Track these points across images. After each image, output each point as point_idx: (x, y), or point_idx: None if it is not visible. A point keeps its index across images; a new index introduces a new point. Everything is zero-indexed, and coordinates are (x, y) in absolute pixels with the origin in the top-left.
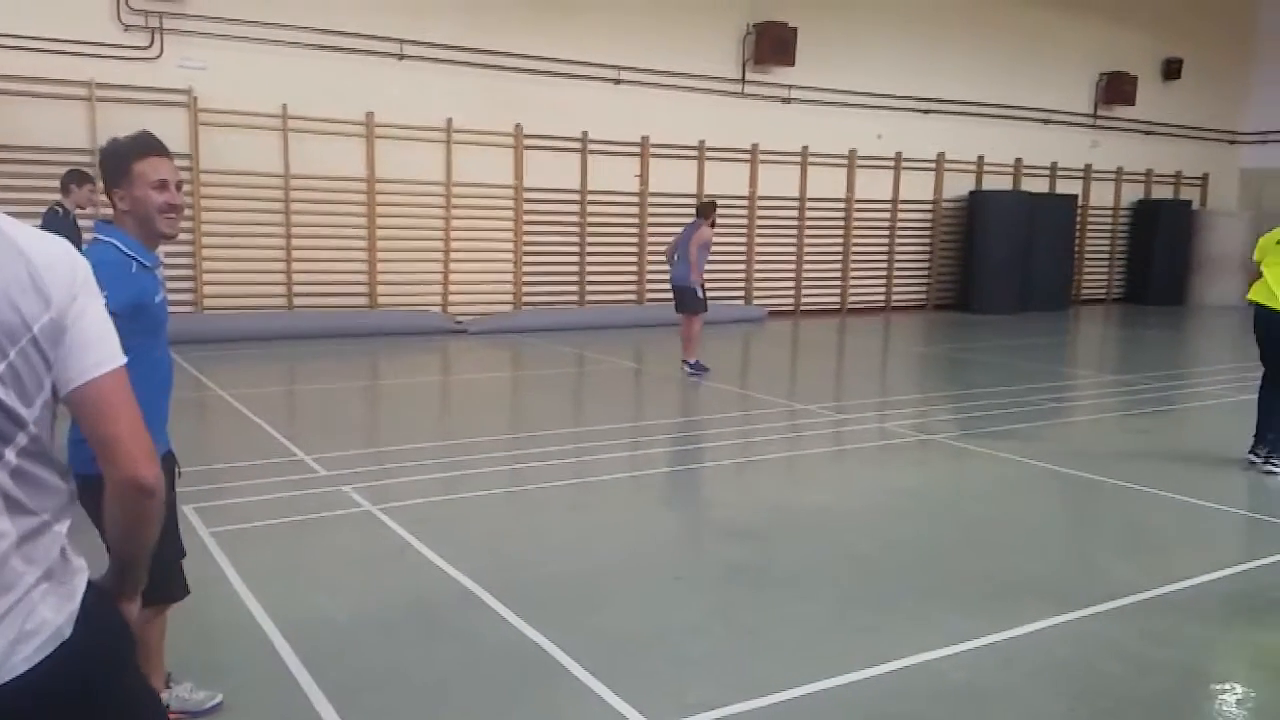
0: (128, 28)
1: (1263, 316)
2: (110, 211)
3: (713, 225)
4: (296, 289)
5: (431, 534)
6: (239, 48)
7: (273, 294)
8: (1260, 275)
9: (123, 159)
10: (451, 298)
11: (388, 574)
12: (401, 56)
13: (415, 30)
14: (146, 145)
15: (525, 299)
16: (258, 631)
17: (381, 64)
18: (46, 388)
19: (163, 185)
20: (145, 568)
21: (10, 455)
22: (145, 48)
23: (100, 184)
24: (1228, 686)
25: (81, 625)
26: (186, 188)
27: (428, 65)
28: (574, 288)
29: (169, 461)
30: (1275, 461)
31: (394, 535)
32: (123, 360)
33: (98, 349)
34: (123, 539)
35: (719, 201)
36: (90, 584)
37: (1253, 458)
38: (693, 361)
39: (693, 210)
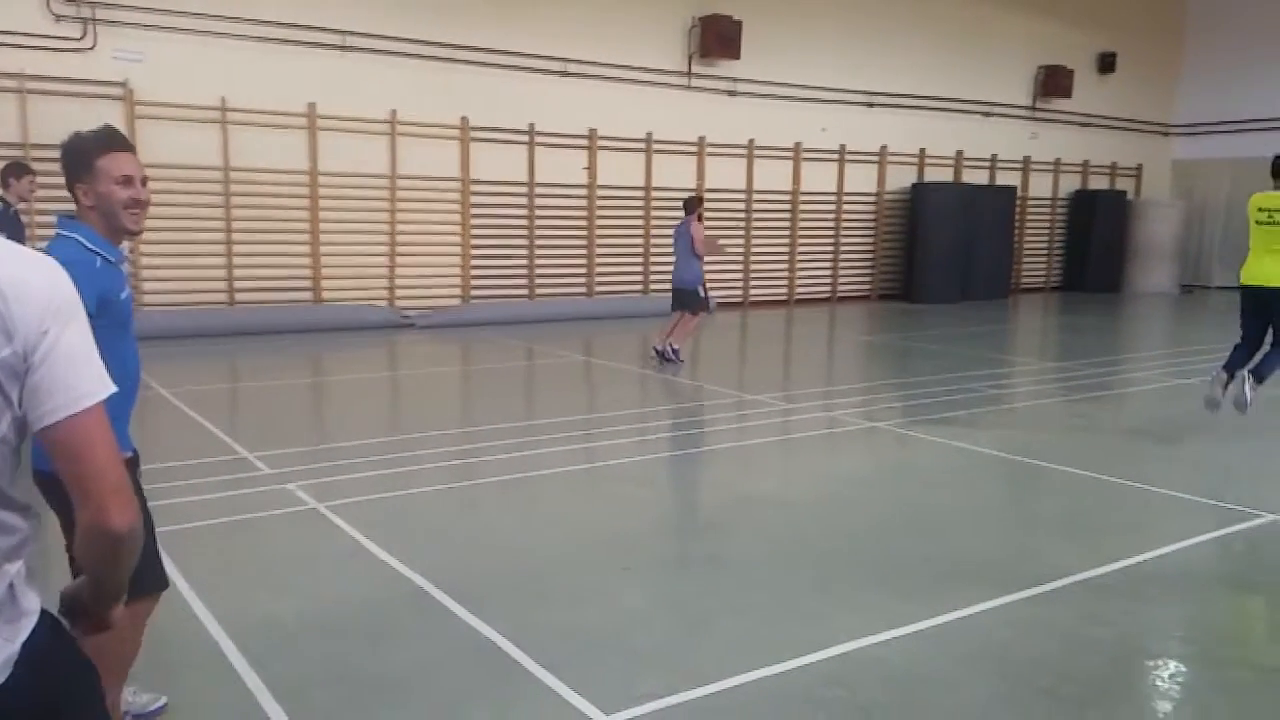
0: (59, 18)
1: (1248, 292)
2: (64, 206)
3: (700, 219)
4: (238, 284)
5: (380, 531)
6: (176, 39)
7: (213, 289)
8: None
9: (86, 154)
10: (398, 291)
11: (336, 572)
12: (344, 48)
13: (357, 21)
14: (110, 140)
15: (474, 292)
16: (203, 632)
17: (323, 55)
18: (3, 426)
19: (128, 181)
20: (123, 587)
21: None
22: (78, 39)
23: (33, 176)
24: (1160, 663)
25: (22, 670)
26: None
27: (370, 57)
28: (523, 280)
29: (133, 462)
30: (1250, 382)
31: (341, 533)
32: (101, 395)
33: (71, 386)
34: (94, 571)
35: (670, 192)
36: (44, 622)
37: (1221, 375)
38: (675, 347)
39: (640, 201)
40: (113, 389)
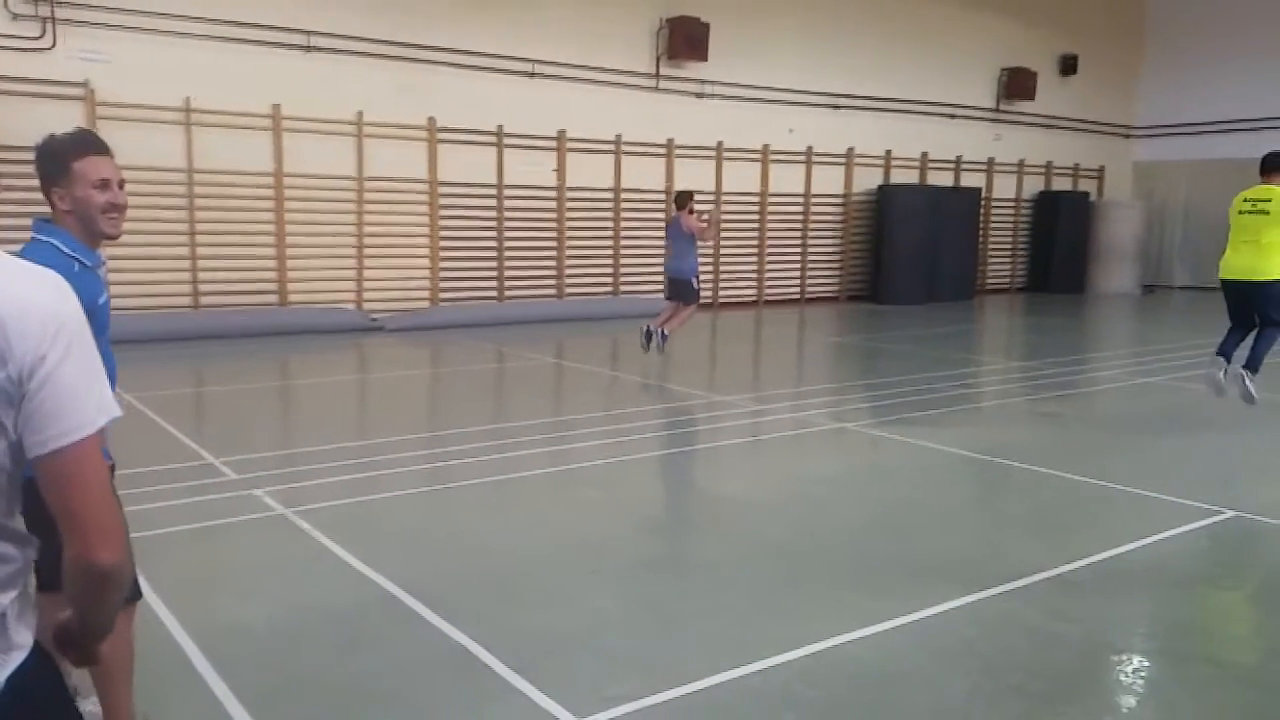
0: (16, 17)
1: (1227, 285)
2: (23, 209)
3: (691, 213)
4: (202, 287)
5: (348, 536)
6: (138, 39)
7: (178, 293)
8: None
9: (61, 157)
10: (366, 294)
11: (304, 579)
12: (309, 48)
13: (322, 21)
14: (86, 143)
15: (442, 294)
16: (170, 641)
17: (288, 56)
18: None
19: (105, 184)
20: (110, 621)
21: None
22: (37, 38)
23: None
24: (1126, 659)
25: (6, 700)
26: None
27: (336, 57)
28: (492, 283)
29: (110, 470)
30: (1249, 377)
31: (309, 539)
32: (97, 424)
33: (67, 416)
34: (79, 604)
35: (639, 194)
36: (34, 656)
37: (1220, 368)
38: (665, 332)
39: (609, 203)
40: (114, 414)
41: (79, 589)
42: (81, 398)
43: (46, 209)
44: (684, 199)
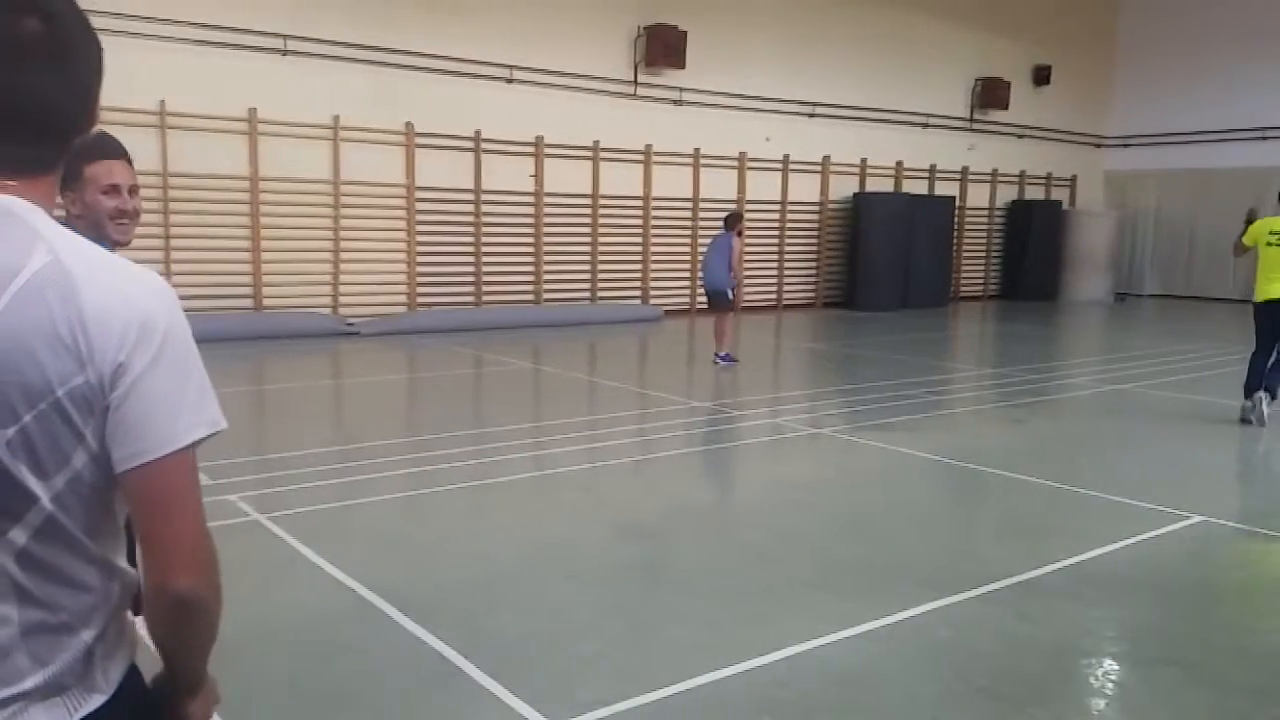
0: None
1: (1265, 307)
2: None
3: (740, 235)
4: (176, 291)
5: (323, 542)
6: (112, 42)
7: None
8: (1240, 254)
9: (75, 160)
10: (342, 299)
11: (278, 584)
12: (285, 52)
13: (298, 25)
14: (100, 148)
15: (420, 299)
16: (141, 647)
17: (264, 59)
18: (76, 463)
19: (114, 190)
20: (198, 670)
21: (19, 536)
22: None
23: None
24: (1094, 662)
25: None
26: None
27: (312, 61)
28: (470, 288)
29: None
30: (1266, 400)
31: (283, 544)
32: (184, 442)
33: (153, 430)
34: (163, 645)
35: (617, 200)
36: (115, 703)
37: (1248, 404)
38: (723, 354)
39: (587, 209)
40: (216, 428)
41: (159, 623)
42: (171, 410)
43: None
44: (733, 221)
